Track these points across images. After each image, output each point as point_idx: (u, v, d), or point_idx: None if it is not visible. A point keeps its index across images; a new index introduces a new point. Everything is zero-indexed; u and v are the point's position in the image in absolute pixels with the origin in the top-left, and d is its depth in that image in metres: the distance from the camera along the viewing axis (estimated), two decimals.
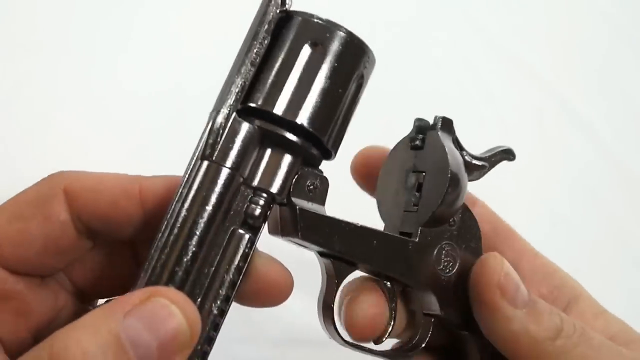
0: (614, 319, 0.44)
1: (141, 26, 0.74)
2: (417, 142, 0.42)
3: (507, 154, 0.44)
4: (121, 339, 0.28)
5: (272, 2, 0.34)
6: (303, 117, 0.34)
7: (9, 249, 0.36)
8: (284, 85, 0.33)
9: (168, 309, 0.29)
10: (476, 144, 0.82)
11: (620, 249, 0.80)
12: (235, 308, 0.62)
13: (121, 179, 0.38)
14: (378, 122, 0.72)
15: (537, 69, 0.87)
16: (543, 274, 0.46)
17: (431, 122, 0.42)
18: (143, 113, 0.70)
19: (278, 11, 0.34)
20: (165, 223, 0.34)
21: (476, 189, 0.55)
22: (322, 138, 0.35)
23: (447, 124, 0.41)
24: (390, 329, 0.41)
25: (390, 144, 0.44)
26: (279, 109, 0.33)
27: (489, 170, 0.43)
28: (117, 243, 0.40)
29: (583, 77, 0.88)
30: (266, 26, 0.34)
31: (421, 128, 0.42)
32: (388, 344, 0.43)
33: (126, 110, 0.70)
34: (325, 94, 0.34)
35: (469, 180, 0.42)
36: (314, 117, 0.34)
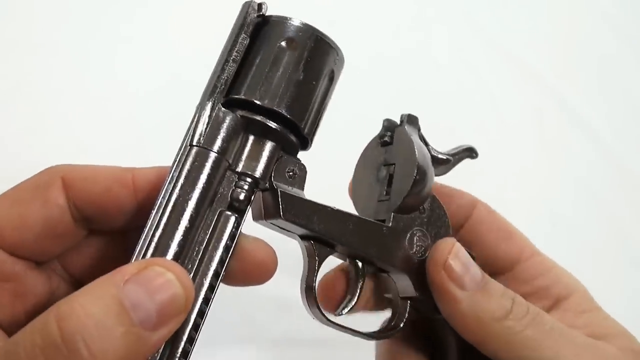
0: (604, 317, 0.45)
1: (138, 23, 0.74)
2: (386, 139, 0.45)
3: (470, 152, 0.47)
4: (122, 302, 0.30)
5: (250, 8, 0.38)
6: (281, 105, 0.37)
7: (10, 232, 0.38)
8: (263, 78, 0.37)
9: (165, 276, 0.31)
10: (476, 144, 0.82)
11: (620, 249, 0.80)
12: (235, 308, 0.62)
13: (115, 169, 0.40)
14: (379, 122, 0.72)
15: (537, 69, 0.87)
16: (540, 270, 0.47)
17: (398, 121, 0.46)
18: (141, 109, 0.70)
19: (255, 16, 0.38)
20: (158, 204, 0.36)
21: (477, 190, 0.55)
22: (299, 124, 0.38)
23: (412, 121, 0.45)
24: (352, 303, 0.44)
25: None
26: (259, 98, 0.37)
27: (453, 166, 0.46)
28: (111, 233, 0.42)
29: (583, 77, 0.88)
30: (245, 28, 0.38)
31: (389, 126, 0.46)
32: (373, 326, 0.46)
33: (124, 106, 0.70)
34: (300, 85, 0.38)
35: (436, 175, 0.45)
36: (291, 105, 0.38)
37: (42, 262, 0.40)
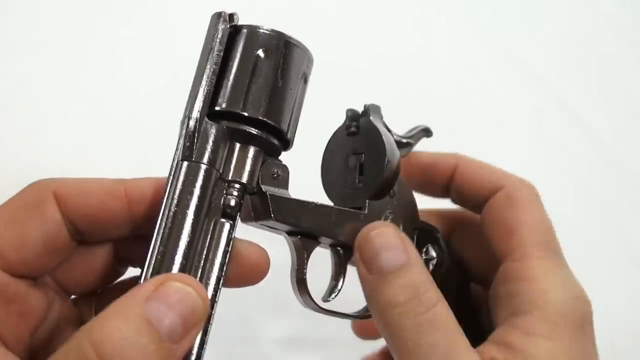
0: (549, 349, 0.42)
1: (138, 23, 0.74)
2: (353, 129, 0.47)
3: (426, 132, 0.50)
4: (150, 320, 0.32)
5: (221, 19, 0.40)
6: (264, 113, 0.39)
7: (11, 253, 0.38)
8: (243, 88, 0.39)
9: (183, 290, 0.33)
10: (476, 144, 0.82)
11: (620, 249, 0.80)
12: (235, 309, 0.62)
13: (106, 182, 0.41)
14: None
15: (537, 69, 0.87)
16: (514, 277, 0.44)
17: (360, 110, 0.48)
18: (141, 109, 0.70)
19: (228, 27, 0.40)
20: (159, 221, 0.38)
21: None
22: (282, 129, 0.40)
23: (376, 110, 0.47)
24: (338, 288, 0.46)
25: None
26: (243, 109, 0.39)
27: (413, 146, 0.49)
28: (100, 242, 0.43)
29: (583, 77, 0.88)
30: (218, 40, 0.39)
31: (353, 116, 0.48)
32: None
33: (124, 106, 0.70)
34: (279, 91, 0.40)
35: (402, 154, 0.48)
36: (273, 112, 0.40)
37: (38, 277, 0.40)
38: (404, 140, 0.48)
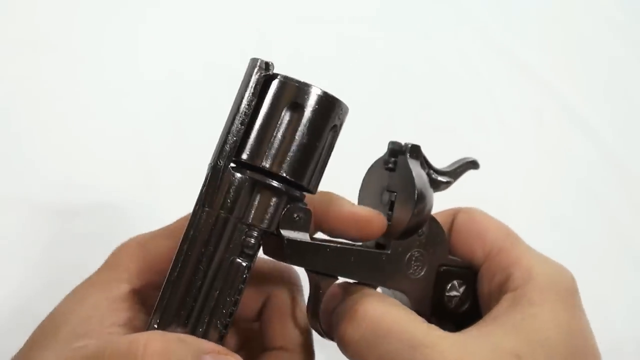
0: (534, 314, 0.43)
1: (148, 24, 0.74)
2: (390, 165, 0.47)
3: (473, 165, 0.50)
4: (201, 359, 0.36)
5: (257, 68, 0.40)
6: (286, 170, 0.40)
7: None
8: (269, 143, 0.40)
9: None
10: (476, 144, 0.82)
11: (622, 251, 0.80)
12: None
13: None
14: (380, 122, 0.72)
15: (537, 69, 0.87)
16: (501, 266, 0.46)
17: (403, 143, 0.48)
18: (148, 112, 0.70)
19: (262, 75, 0.40)
20: (174, 260, 0.40)
21: (476, 191, 0.55)
22: (303, 184, 0.41)
23: (415, 150, 0.47)
24: None
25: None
26: (265, 163, 0.40)
27: (454, 182, 0.49)
28: None
29: (583, 78, 0.88)
30: (252, 90, 0.40)
31: (394, 151, 0.48)
32: None
33: (128, 113, 0.70)
34: (305, 148, 0.40)
35: (439, 191, 0.48)
36: (296, 169, 0.40)
37: None
38: (443, 180, 0.48)
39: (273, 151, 0.40)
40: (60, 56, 0.69)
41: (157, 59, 0.73)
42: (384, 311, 0.41)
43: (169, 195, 0.61)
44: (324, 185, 0.44)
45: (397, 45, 0.83)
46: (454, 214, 0.49)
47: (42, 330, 0.41)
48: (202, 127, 0.56)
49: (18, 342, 0.41)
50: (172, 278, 0.40)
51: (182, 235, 0.40)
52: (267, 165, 0.40)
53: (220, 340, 0.41)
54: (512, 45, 0.87)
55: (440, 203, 0.53)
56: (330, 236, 0.46)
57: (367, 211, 0.44)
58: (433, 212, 0.47)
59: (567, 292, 0.43)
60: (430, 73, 0.83)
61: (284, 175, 0.40)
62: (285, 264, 0.45)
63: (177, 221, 0.44)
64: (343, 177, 0.49)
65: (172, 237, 0.43)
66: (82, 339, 0.39)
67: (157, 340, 0.36)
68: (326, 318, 0.45)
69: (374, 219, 0.44)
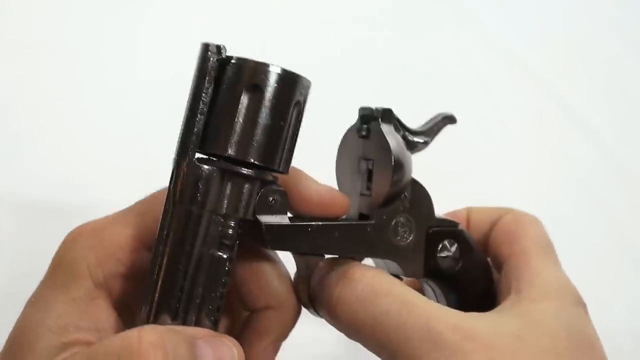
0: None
1: (146, 25, 0.74)
2: (363, 132, 0.46)
3: (450, 120, 0.48)
4: (194, 345, 0.36)
5: (209, 52, 0.38)
6: (253, 155, 0.39)
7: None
8: (231, 129, 0.38)
9: (231, 350, 0.38)
10: (476, 144, 0.82)
11: (622, 250, 0.80)
12: None
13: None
14: None
15: (537, 70, 0.87)
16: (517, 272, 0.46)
17: (374, 109, 0.46)
18: (145, 111, 0.70)
19: (216, 59, 0.38)
20: (152, 263, 0.39)
21: (476, 190, 0.55)
22: (273, 167, 0.40)
23: (387, 114, 0.45)
24: None
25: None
26: (231, 151, 0.38)
27: (432, 140, 0.47)
28: None
29: (583, 78, 0.88)
30: (207, 77, 0.38)
31: (365, 117, 0.46)
32: None
33: (126, 113, 0.70)
34: (269, 129, 0.39)
35: (417, 152, 0.46)
36: (263, 152, 0.39)
37: None
38: (421, 140, 0.46)
39: (237, 137, 0.38)
40: (59, 57, 0.69)
41: (156, 60, 0.73)
42: (377, 273, 0.41)
43: None
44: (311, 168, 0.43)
45: (397, 45, 0.83)
46: (504, 213, 0.48)
47: (14, 345, 0.39)
48: None
49: None
50: (152, 281, 0.39)
51: (156, 236, 0.39)
52: (233, 153, 0.38)
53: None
54: (512, 45, 0.87)
55: (442, 204, 0.53)
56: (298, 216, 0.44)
57: (330, 191, 0.43)
58: (475, 203, 0.47)
59: (571, 300, 0.42)
60: (430, 73, 0.83)
61: (252, 161, 0.39)
62: None
63: (132, 206, 0.43)
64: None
65: (128, 223, 0.41)
66: (65, 351, 0.38)
67: (150, 331, 0.35)
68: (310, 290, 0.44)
69: (337, 199, 0.43)
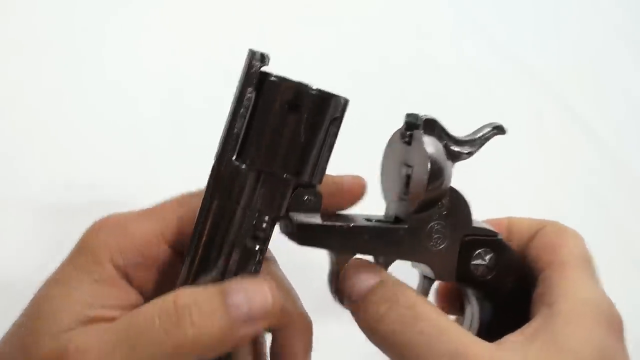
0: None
1: (148, 23, 0.74)
2: (406, 139, 0.47)
3: (499, 130, 0.49)
4: (224, 293, 0.38)
5: (254, 59, 0.40)
6: (288, 170, 0.41)
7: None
8: (267, 143, 0.41)
9: (265, 294, 0.39)
10: None
11: (622, 250, 0.80)
12: None
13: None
14: (381, 122, 0.72)
15: (537, 70, 0.87)
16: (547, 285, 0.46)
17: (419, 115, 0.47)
18: (143, 114, 0.70)
19: (259, 66, 0.40)
20: (186, 259, 0.41)
21: (476, 190, 0.54)
22: (307, 181, 0.42)
23: (429, 124, 0.46)
24: None
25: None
26: (264, 161, 0.41)
27: (477, 150, 0.47)
28: None
29: (583, 78, 0.88)
30: (251, 81, 0.40)
31: (409, 124, 0.47)
32: None
33: (128, 112, 0.70)
34: (304, 146, 0.41)
35: (460, 161, 0.46)
36: (298, 167, 0.41)
37: None
38: (464, 151, 0.46)
39: (272, 151, 0.41)
40: (60, 56, 0.69)
41: (158, 58, 0.73)
42: (421, 300, 0.42)
43: (169, 195, 0.61)
44: None
45: (396, 45, 0.83)
46: (546, 224, 0.49)
47: (33, 315, 0.40)
48: (202, 126, 0.56)
49: None
50: (189, 274, 0.41)
51: (193, 229, 0.41)
52: (270, 170, 0.41)
53: None
54: (512, 45, 0.87)
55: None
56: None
57: (348, 178, 0.45)
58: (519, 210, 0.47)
59: (606, 322, 0.42)
60: (430, 73, 0.83)
61: (286, 176, 0.41)
62: None
63: (158, 204, 0.44)
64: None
65: (155, 219, 0.43)
66: (89, 325, 0.38)
67: (184, 292, 0.38)
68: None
69: (354, 184, 0.45)
